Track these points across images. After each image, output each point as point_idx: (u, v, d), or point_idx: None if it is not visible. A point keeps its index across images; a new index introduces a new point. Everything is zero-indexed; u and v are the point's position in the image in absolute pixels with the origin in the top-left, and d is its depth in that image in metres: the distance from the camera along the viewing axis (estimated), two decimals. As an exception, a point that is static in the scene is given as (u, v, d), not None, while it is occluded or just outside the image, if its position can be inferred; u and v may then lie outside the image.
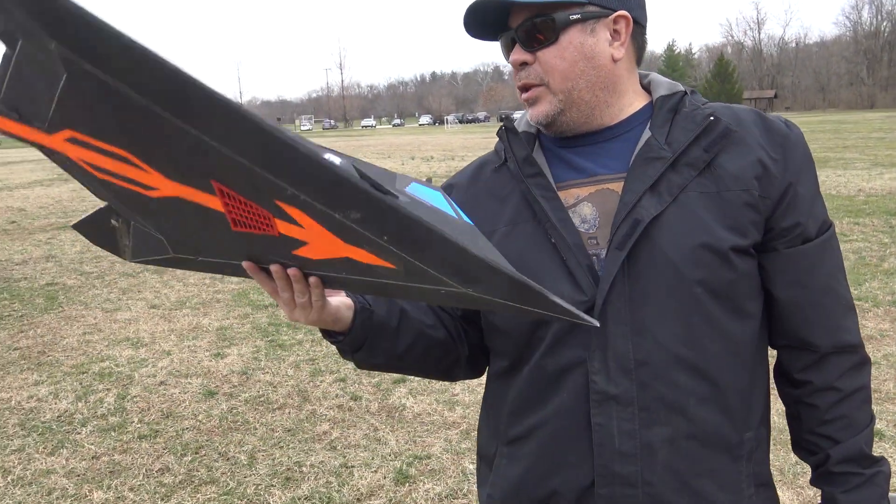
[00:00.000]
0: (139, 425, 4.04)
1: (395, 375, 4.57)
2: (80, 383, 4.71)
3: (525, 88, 1.08)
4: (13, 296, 7.33)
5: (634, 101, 1.12)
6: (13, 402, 4.47)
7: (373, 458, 3.52)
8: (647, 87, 1.16)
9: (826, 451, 1.12)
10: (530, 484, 1.11)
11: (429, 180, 0.90)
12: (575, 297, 1.03)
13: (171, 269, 6.41)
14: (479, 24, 1.09)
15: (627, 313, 1.03)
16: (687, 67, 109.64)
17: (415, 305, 1.20)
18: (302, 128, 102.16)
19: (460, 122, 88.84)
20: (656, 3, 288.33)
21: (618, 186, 1.06)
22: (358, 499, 3.17)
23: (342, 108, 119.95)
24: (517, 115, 1.21)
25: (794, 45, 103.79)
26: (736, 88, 74.24)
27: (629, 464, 1.03)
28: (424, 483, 3.27)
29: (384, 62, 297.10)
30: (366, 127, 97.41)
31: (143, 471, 3.51)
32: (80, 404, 4.36)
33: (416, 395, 4.26)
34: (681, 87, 1.12)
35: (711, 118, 1.05)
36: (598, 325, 0.79)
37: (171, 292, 7.11)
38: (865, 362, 1.14)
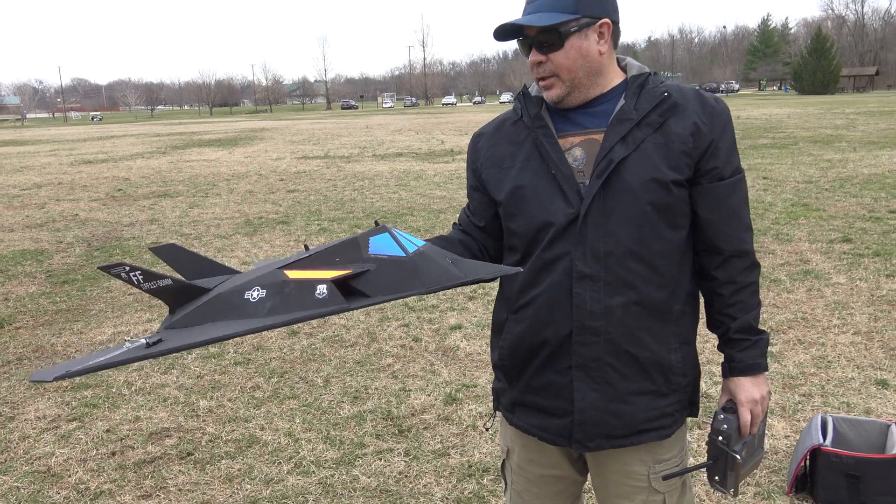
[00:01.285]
0: (234, 355, 4.78)
1: (453, 321, 5.18)
2: (185, 321, 5.51)
3: (542, 78, 1.59)
4: (124, 252, 8.31)
5: (615, 78, 1.63)
6: (131, 333, 5.31)
7: (427, 385, 4.13)
8: (623, 68, 1.68)
9: (727, 325, 1.62)
10: (529, 334, 1.65)
11: (376, 224, 1.37)
12: (567, 209, 1.55)
13: (258, 234, 7.28)
14: (504, 32, 1.60)
15: (601, 221, 1.54)
16: (782, 43, 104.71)
17: (452, 244, 1.73)
18: (384, 105, 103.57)
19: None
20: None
21: (600, 137, 1.58)
22: (412, 413, 3.78)
23: (423, 85, 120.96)
24: (507, 99, 1.75)
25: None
26: (833, 65, 70.62)
27: (596, 320, 1.56)
28: (469, 405, 3.85)
29: (467, 39, 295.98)
30: (447, 104, 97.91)
31: (238, 387, 4.24)
32: (185, 337, 5.15)
33: (469, 338, 4.84)
34: (647, 69, 1.64)
35: (665, 94, 1.57)
36: (522, 271, 1.39)
37: (259, 252, 7.92)
38: (756, 265, 1.65)
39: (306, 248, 1.41)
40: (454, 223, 1.86)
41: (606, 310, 1.55)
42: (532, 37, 1.54)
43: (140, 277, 1.37)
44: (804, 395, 3.80)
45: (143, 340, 1.28)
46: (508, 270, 1.28)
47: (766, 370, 1.63)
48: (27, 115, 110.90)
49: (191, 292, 1.42)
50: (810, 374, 4.06)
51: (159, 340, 1.28)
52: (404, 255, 1.26)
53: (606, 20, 1.56)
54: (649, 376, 1.59)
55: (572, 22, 1.52)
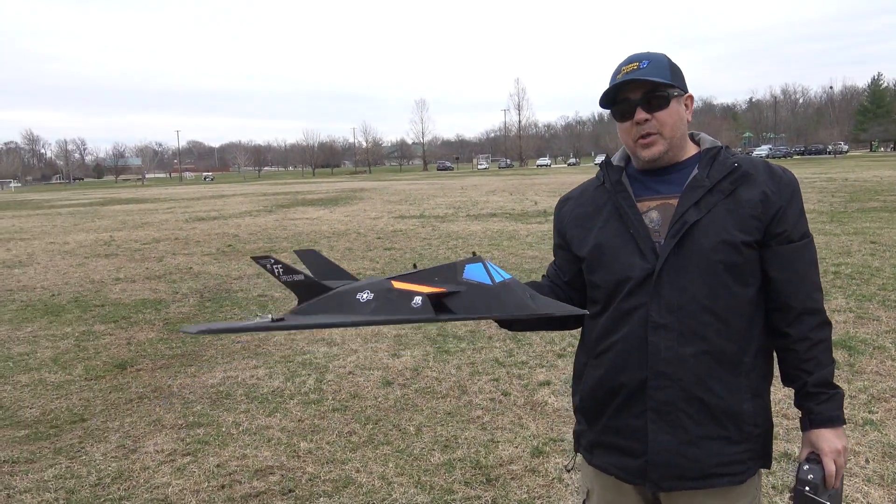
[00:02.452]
0: (333, 401, 5.05)
1: (542, 377, 5.28)
2: (288, 369, 5.86)
3: (645, 136, 1.76)
4: (233, 303, 8.86)
5: (690, 149, 1.83)
6: (239, 378, 5.69)
7: (515, 438, 4.24)
8: (697, 141, 1.86)
9: (805, 379, 1.73)
10: (607, 379, 1.80)
11: (473, 254, 1.61)
12: (643, 265, 1.72)
13: None
14: (609, 97, 1.78)
15: (674, 277, 1.71)
16: (895, 102, 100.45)
17: (542, 288, 1.94)
18: (479, 166, 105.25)
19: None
20: (859, 31, 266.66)
21: (674, 202, 1.76)
22: (500, 464, 3.90)
23: (518, 146, 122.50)
24: (613, 156, 1.93)
25: None
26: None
27: (669, 366, 1.70)
28: (555, 458, 3.94)
29: (562, 102, 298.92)
30: (541, 166, 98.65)
31: (336, 432, 4.48)
32: (288, 384, 5.48)
33: (557, 394, 4.93)
34: (718, 143, 1.82)
35: (736, 164, 1.74)
36: (588, 313, 1.64)
37: (357, 305, 8.28)
38: (827, 323, 1.75)
39: (414, 266, 1.68)
40: (543, 275, 2.05)
41: (679, 357, 1.69)
42: (637, 98, 1.74)
43: (280, 270, 1.73)
44: (906, 465, 3.68)
45: (270, 317, 1.62)
46: (576, 311, 1.48)
47: (845, 423, 1.71)
48: (147, 175, 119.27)
49: (317, 289, 1.72)
50: (913, 444, 3.92)
51: (282, 319, 1.62)
52: (491, 283, 1.48)
53: (691, 94, 1.80)
54: (720, 423, 1.70)
55: (673, 87, 1.74)
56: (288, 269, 1.73)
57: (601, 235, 1.80)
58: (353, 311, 1.57)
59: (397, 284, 1.55)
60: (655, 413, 1.72)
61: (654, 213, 1.76)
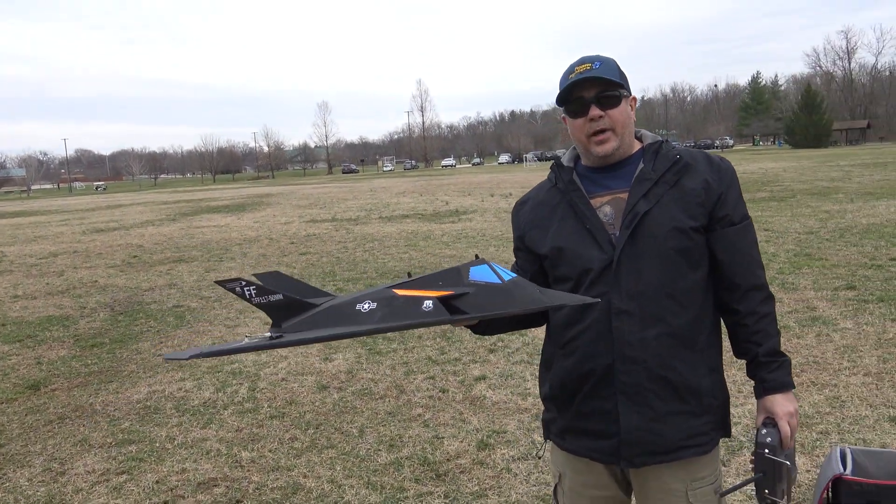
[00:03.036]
0: (269, 409, 4.97)
1: (476, 373, 5.38)
2: (217, 379, 5.71)
3: (598, 132, 1.85)
4: (148, 316, 8.53)
5: (635, 145, 1.94)
6: (166, 392, 5.50)
7: (459, 433, 4.31)
8: (639, 138, 1.97)
9: (755, 350, 1.86)
10: (577, 366, 1.88)
11: (476, 256, 1.65)
12: (601, 256, 1.82)
13: None
14: (565, 94, 1.86)
15: (631, 265, 1.81)
16: (773, 99, 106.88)
17: None
18: (384, 168, 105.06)
19: (539, 159, 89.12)
20: (740, 35, 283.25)
21: (625, 195, 1.86)
22: (448, 459, 3.96)
23: (423, 148, 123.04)
24: (559, 152, 2.04)
25: (888, 73, 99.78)
26: (825, 120, 72.04)
27: (634, 350, 1.80)
28: (501, 449, 4.03)
29: (464, 103, 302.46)
30: (446, 166, 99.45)
31: (277, 439, 4.41)
32: (219, 394, 5.34)
33: (494, 388, 5.03)
34: (659, 138, 1.95)
35: (678, 156, 1.87)
36: (600, 301, 1.64)
37: (280, 312, 8.13)
38: (771, 297, 1.90)
39: (409, 275, 1.66)
40: None
41: (642, 341, 1.79)
42: (591, 96, 1.83)
43: (253, 292, 1.58)
44: (821, 433, 3.98)
45: (269, 335, 1.50)
46: (587, 300, 1.53)
47: (794, 387, 1.86)
48: (32, 186, 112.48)
49: (298, 307, 1.62)
50: (825, 413, 4.24)
51: (280, 336, 1.50)
52: (500, 282, 1.51)
53: (635, 96, 1.93)
54: (683, 399, 1.82)
55: (622, 88, 1.86)
56: (262, 290, 1.59)
57: (559, 233, 1.89)
58: (357, 322, 1.52)
59: (400, 292, 1.53)
60: (624, 395, 1.81)
61: (607, 207, 1.86)
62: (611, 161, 1.89)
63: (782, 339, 5.66)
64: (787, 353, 1.87)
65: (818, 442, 3.87)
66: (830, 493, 3.14)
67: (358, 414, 4.76)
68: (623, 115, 1.84)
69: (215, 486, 3.82)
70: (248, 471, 3.98)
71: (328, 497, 3.61)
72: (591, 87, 1.83)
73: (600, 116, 1.83)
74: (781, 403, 1.82)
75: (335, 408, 4.91)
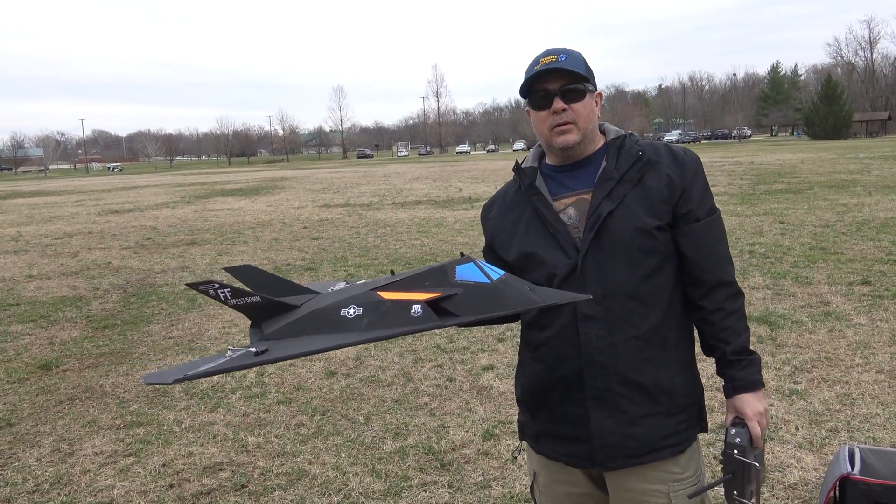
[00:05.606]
0: (277, 394, 4.99)
1: (484, 362, 5.37)
2: (226, 363, 5.72)
3: (561, 125, 1.83)
4: (160, 298, 8.58)
5: (599, 141, 1.90)
6: (176, 375, 5.52)
7: (465, 422, 4.30)
8: (603, 132, 1.94)
9: (723, 349, 1.82)
10: (546, 371, 1.86)
11: (462, 254, 1.58)
12: (566, 260, 1.78)
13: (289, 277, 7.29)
14: (529, 85, 1.84)
15: (596, 268, 1.77)
16: (792, 90, 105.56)
17: None
18: (399, 153, 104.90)
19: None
20: (759, 22, 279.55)
21: (588, 196, 1.82)
22: (453, 448, 3.95)
23: (438, 134, 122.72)
24: (520, 147, 1.99)
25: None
26: (845, 111, 71.03)
27: (602, 355, 1.77)
28: (506, 440, 4.02)
29: (479, 89, 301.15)
30: (461, 153, 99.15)
31: (283, 425, 4.43)
32: (228, 378, 5.36)
33: (501, 378, 5.02)
34: (622, 132, 1.90)
35: (640, 153, 1.82)
36: (592, 297, 1.59)
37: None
38: (740, 293, 1.85)
39: (392, 273, 1.61)
40: None
41: (610, 346, 1.75)
42: (556, 89, 1.79)
43: (228, 294, 1.51)
44: (831, 430, 3.94)
45: (252, 349, 1.41)
46: (579, 297, 1.48)
47: (764, 386, 1.82)
48: (49, 167, 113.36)
49: (277, 309, 1.56)
50: (836, 410, 4.20)
51: (266, 350, 1.41)
52: (488, 281, 1.45)
53: (601, 92, 1.88)
54: (656, 400, 1.78)
55: (587, 82, 1.81)
56: (237, 292, 1.52)
57: (525, 239, 1.86)
58: (343, 330, 1.43)
59: (386, 295, 1.45)
60: (594, 400, 1.78)
61: (571, 209, 1.82)
62: (574, 158, 1.85)
63: (794, 335, 5.64)
64: (756, 351, 1.83)
65: (827, 440, 3.83)
66: (837, 493, 3.11)
67: (365, 401, 4.77)
68: (587, 109, 1.80)
69: (221, 470, 3.84)
70: (254, 456, 4.00)
71: (332, 484, 3.62)
72: (556, 80, 1.78)
73: (563, 109, 1.78)
74: (751, 403, 1.78)
75: (342, 394, 4.92)
